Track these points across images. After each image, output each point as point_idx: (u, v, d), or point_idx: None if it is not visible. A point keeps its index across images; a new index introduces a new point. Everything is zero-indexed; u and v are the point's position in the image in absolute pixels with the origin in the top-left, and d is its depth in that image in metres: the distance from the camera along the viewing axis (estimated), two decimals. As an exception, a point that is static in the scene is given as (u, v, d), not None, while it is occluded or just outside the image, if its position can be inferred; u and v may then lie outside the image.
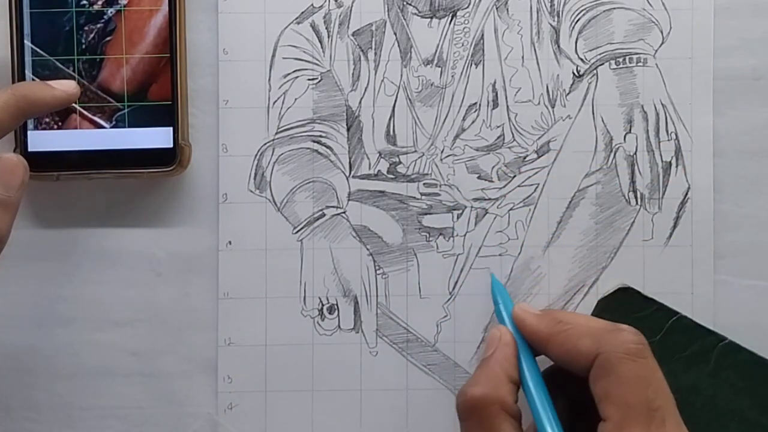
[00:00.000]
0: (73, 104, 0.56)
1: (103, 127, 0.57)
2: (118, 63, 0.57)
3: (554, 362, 0.54)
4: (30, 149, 0.57)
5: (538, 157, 0.59)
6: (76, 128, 0.57)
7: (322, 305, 0.59)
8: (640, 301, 0.58)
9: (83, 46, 0.57)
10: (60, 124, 0.57)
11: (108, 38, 0.57)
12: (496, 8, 0.59)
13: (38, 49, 0.56)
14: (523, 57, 0.59)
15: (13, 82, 0.56)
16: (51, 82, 0.54)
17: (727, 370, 0.58)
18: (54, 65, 0.57)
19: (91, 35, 0.56)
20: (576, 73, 0.59)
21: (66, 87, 0.54)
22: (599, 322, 0.54)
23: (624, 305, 0.58)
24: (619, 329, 0.52)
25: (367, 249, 0.59)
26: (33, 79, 0.56)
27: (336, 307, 0.59)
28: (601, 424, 0.50)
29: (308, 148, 0.59)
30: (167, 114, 0.57)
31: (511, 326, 0.55)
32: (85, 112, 0.57)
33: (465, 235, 0.59)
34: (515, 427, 0.51)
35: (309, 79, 0.59)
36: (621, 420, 0.49)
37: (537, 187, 0.59)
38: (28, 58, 0.56)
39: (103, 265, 0.59)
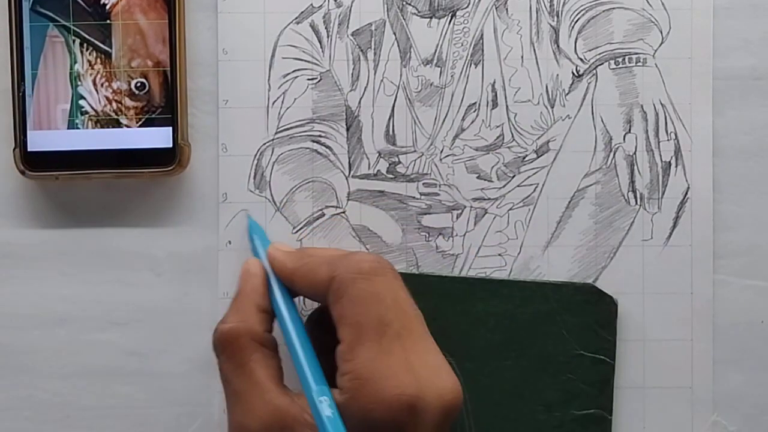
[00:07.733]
0: None
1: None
2: None
3: (305, 297, 0.54)
4: (30, 149, 0.57)
5: (538, 157, 0.59)
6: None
7: (322, 305, 0.59)
8: None
9: None
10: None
11: None
12: (496, 8, 0.59)
13: None
14: (522, 57, 0.59)
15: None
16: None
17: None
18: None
19: None
20: (575, 73, 0.59)
21: None
22: (341, 251, 0.53)
23: None
24: (355, 253, 0.52)
25: (367, 249, 0.59)
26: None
27: (335, 307, 0.59)
28: (338, 348, 0.50)
29: (308, 148, 0.59)
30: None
31: (266, 263, 0.55)
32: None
33: (464, 234, 0.59)
34: (267, 356, 0.52)
35: (308, 79, 0.59)
36: (353, 339, 0.49)
37: (536, 187, 0.59)
38: None
39: (102, 265, 0.59)
